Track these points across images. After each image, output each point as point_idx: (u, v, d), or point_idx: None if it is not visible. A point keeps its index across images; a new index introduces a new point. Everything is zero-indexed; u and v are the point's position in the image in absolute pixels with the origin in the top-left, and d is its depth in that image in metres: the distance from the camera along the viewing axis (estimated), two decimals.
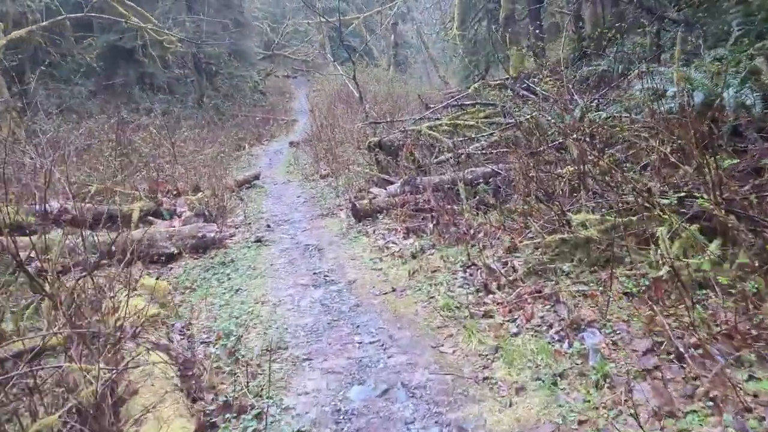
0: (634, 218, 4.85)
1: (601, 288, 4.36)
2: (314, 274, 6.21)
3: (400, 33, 28.01)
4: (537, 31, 16.31)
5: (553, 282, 4.71)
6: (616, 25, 12.23)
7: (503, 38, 19.15)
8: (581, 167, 5.15)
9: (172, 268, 6.84)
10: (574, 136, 5.58)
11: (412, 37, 29.41)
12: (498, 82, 11.78)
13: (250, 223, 8.78)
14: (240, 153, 17.48)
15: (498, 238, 5.96)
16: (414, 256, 6.14)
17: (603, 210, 5.33)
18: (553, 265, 4.93)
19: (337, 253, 6.87)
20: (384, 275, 5.81)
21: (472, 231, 6.39)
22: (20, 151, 9.50)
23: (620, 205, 4.98)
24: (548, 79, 9.02)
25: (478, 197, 7.52)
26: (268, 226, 8.57)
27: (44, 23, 13.77)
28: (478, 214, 6.99)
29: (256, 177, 12.53)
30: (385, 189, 8.99)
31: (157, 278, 6.57)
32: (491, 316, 4.42)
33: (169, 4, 21.80)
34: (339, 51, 30.62)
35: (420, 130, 9.98)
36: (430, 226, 6.89)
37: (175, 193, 8.70)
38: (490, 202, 7.44)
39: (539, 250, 5.35)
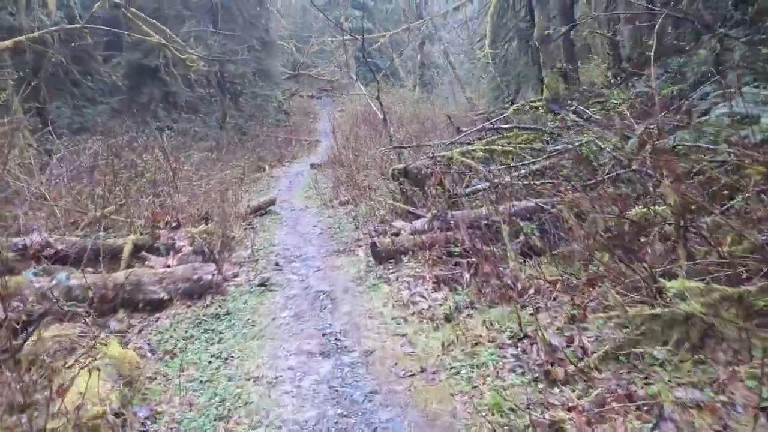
0: (753, 288, 3.47)
1: (722, 396, 2.97)
2: (323, 335, 4.89)
3: (426, 53, 26.83)
4: (571, 48, 15.04)
5: (643, 376, 3.34)
6: (666, 42, 10.84)
7: (536, 58, 17.91)
8: (680, 218, 3.77)
9: (158, 318, 5.59)
10: (667, 175, 4.17)
11: (439, 57, 28.22)
12: (538, 103, 10.42)
13: (257, 260, 7.53)
14: (260, 175, 16.36)
15: (555, 299, 4.60)
16: (448, 319, 4.79)
17: (692, 267, 3.95)
18: (640, 348, 3.55)
19: (353, 305, 5.55)
20: (410, 345, 4.47)
21: (519, 285, 5.04)
22: (7, 172, 8.42)
23: (731, 268, 3.59)
24: (602, 100, 7.66)
25: (522, 238, 6.17)
26: (277, 264, 7.31)
27: (35, 33, 12.81)
28: (525, 261, 5.64)
29: (272, 203, 11.32)
30: (410, 223, 7.68)
31: (140, 331, 5.34)
32: (563, 430, 3.06)
33: (195, 22, 20.97)
34: (364, 71, 29.60)
35: (451, 156, 8.69)
36: (467, 276, 5.55)
37: (174, 224, 7.51)
38: (537, 245, 6.10)
39: (612, 320, 3.99)
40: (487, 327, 4.42)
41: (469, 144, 9.73)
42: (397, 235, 7.29)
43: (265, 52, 23.08)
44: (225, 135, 19.89)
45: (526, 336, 4.15)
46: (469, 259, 5.80)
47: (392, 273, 6.23)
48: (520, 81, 20.23)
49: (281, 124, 22.94)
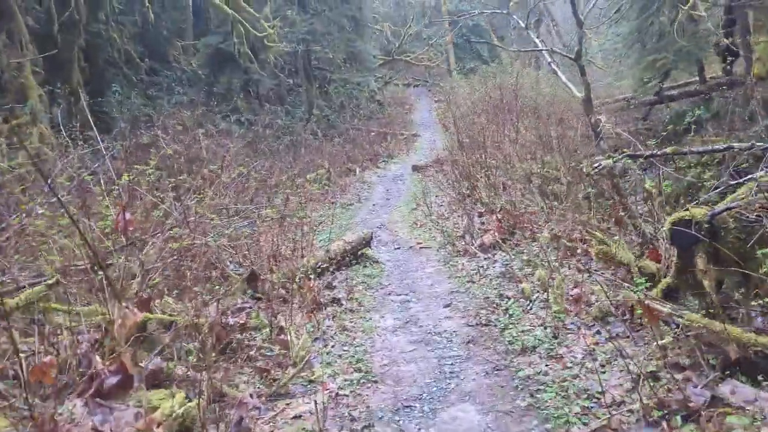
0: None
1: None
2: None
3: (543, 32, 20.60)
4: None
5: None
6: None
7: (691, 31, 11.79)
8: None
9: None
10: None
11: (550, 33, 21.85)
12: None
13: None
14: (348, 180, 11.29)
15: None
16: None
17: None
18: None
19: None
20: None
21: None
22: None
23: None
24: None
25: None
26: None
27: None
28: None
29: (367, 242, 6.10)
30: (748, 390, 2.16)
31: None
32: None
33: (280, 1, 16.10)
34: (465, 58, 23.87)
35: None
36: None
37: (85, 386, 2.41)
38: None
39: None
40: None
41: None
42: None
43: (357, 34, 17.88)
44: (310, 128, 15.01)
45: None
46: None
47: None
48: (679, 58, 13.88)
49: (374, 115, 17.74)
